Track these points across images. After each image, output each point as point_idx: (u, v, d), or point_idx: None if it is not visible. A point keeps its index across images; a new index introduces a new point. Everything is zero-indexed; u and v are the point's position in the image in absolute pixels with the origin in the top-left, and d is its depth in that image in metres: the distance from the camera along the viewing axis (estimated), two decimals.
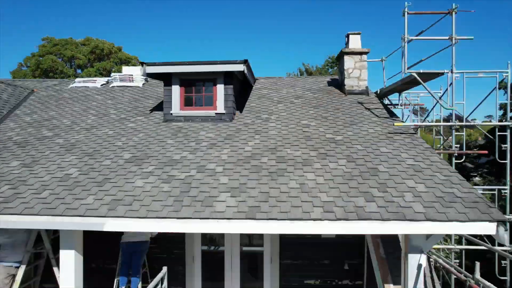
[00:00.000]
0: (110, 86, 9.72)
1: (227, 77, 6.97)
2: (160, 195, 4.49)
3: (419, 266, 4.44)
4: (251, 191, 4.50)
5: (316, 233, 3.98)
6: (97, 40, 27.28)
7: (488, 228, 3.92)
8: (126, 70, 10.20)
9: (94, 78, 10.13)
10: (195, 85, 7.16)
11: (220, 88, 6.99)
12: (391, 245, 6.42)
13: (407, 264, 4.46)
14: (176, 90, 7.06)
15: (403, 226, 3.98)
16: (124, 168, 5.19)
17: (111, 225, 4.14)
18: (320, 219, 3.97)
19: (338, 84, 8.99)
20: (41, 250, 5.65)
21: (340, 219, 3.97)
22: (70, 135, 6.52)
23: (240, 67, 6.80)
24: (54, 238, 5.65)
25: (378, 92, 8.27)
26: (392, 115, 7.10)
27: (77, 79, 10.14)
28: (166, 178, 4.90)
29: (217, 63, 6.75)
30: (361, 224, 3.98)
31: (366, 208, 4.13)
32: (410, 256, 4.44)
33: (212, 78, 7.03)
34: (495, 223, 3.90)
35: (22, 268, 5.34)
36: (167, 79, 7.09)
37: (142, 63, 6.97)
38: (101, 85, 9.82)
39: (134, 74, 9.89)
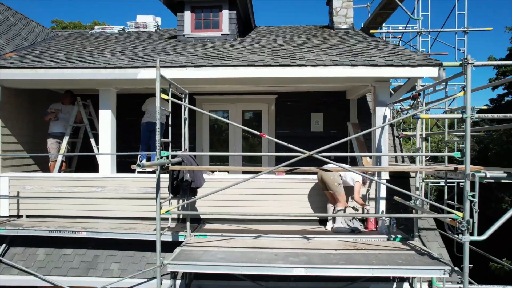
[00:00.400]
0: (126, 31, 10.96)
1: (232, 4, 8.21)
2: (179, 58, 5.72)
3: (385, 117, 5.63)
4: (251, 57, 5.71)
5: (301, 76, 5.17)
6: (103, 24, 28.63)
7: (432, 71, 5.12)
8: (140, 18, 11.42)
9: (112, 26, 11.37)
10: (204, 11, 8.41)
11: (225, 13, 8.23)
12: (369, 136, 7.60)
13: (375, 115, 5.64)
14: (187, 15, 8.30)
15: (369, 71, 5.18)
16: (143, 56, 6.39)
17: (142, 74, 5.35)
18: (304, 65, 5.19)
19: (328, 27, 10.23)
20: (80, 124, 6.86)
21: (319, 65, 5.19)
22: (99, 42, 7.75)
23: None
24: (89, 119, 6.88)
25: (362, 27, 9.49)
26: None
27: (96, 27, 11.38)
28: (184, 55, 6.12)
29: None
30: (336, 69, 5.19)
31: (341, 60, 5.34)
32: (377, 109, 5.62)
33: (218, 5, 8.29)
34: (437, 67, 5.11)
35: (66, 139, 6.54)
36: (180, 6, 8.34)
37: None
38: (118, 30, 11.06)
39: (148, 21, 11.13)
